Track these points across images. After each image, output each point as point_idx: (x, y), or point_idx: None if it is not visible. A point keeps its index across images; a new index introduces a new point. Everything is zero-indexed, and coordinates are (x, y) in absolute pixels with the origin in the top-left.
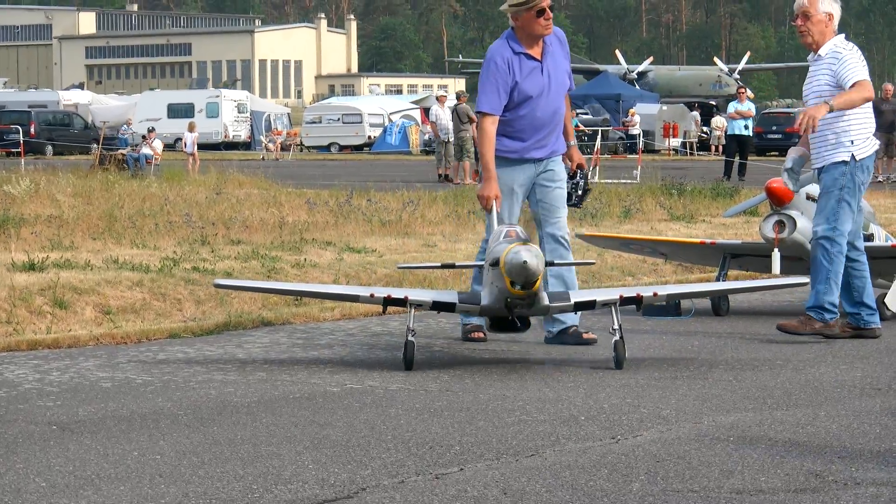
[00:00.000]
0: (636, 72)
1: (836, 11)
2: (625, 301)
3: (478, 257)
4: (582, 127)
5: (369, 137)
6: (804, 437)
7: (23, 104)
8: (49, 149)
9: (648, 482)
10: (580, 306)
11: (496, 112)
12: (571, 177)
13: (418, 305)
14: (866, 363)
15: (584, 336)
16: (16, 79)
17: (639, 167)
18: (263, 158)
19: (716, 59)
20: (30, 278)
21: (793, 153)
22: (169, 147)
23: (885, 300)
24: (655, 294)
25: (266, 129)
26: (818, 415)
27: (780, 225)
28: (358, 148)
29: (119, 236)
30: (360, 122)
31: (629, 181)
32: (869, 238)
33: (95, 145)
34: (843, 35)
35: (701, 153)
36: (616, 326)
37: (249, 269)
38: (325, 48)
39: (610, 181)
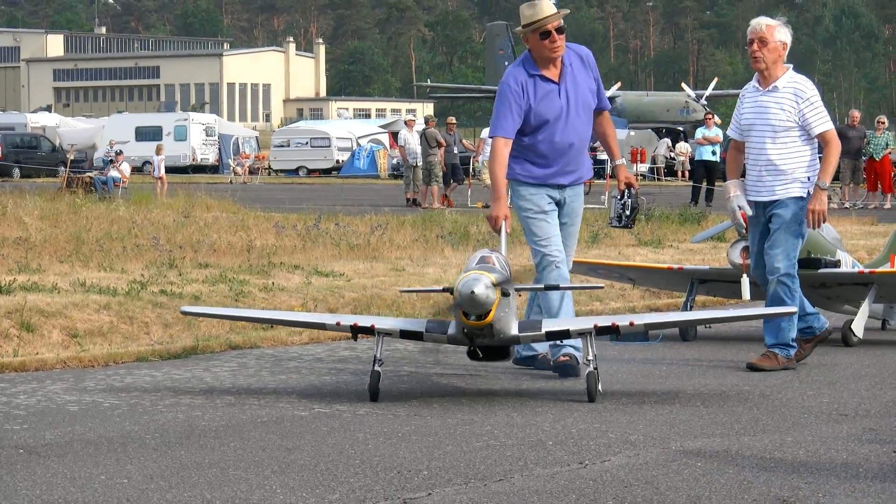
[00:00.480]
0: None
1: (789, 42)
2: (600, 331)
3: None
4: None
5: (337, 161)
6: (771, 462)
7: None
8: (16, 171)
9: None
10: (552, 335)
11: (508, 135)
12: (620, 197)
13: (386, 334)
14: (833, 389)
15: (557, 361)
16: None
17: (607, 192)
18: (231, 182)
19: (683, 84)
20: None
21: (737, 189)
22: (137, 170)
23: (852, 326)
24: (632, 323)
25: (234, 152)
26: (785, 440)
27: (746, 251)
28: (326, 172)
29: (86, 259)
30: (329, 146)
31: (597, 206)
32: (836, 264)
33: (63, 168)
34: (792, 66)
35: (668, 178)
36: (591, 357)
37: (217, 292)
38: (294, 72)
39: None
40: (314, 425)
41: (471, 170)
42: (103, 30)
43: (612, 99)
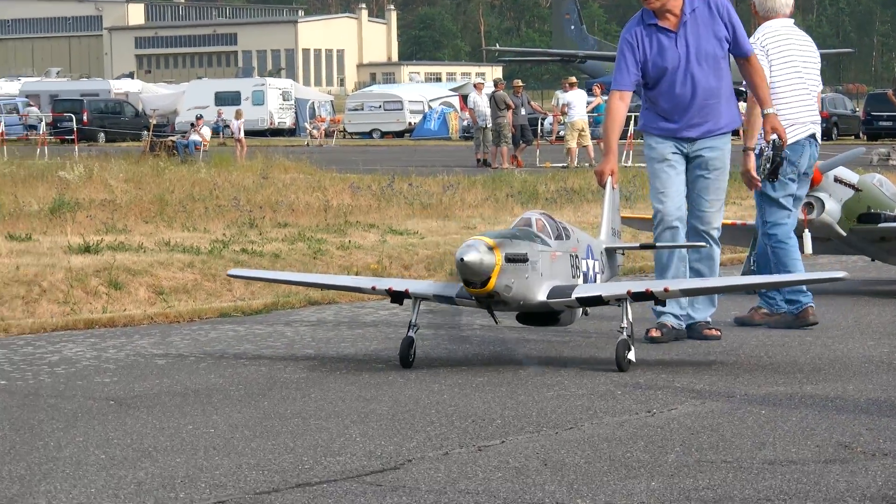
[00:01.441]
0: None
1: None
2: (635, 296)
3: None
4: None
5: (410, 124)
6: (833, 410)
7: (75, 93)
8: (101, 136)
9: (683, 453)
10: (583, 301)
11: (621, 87)
12: (763, 149)
13: (422, 298)
14: (893, 339)
15: (707, 332)
16: (68, 68)
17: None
18: (308, 144)
19: None
20: (85, 260)
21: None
22: (215, 134)
23: None
24: (666, 289)
25: (310, 116)
26: (847, 389)
27: (808, 207)
28: (399, 134)
29: (170, 220)
30: (401, 109)
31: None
32: (895, 219)
33: (146, 132)
34: None
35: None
36: (624, 325)
37: (296, 251)
38: (367, 38)
39: (643, 165)
40: (391, 377)
41: (539, 131)
42: None
43: None
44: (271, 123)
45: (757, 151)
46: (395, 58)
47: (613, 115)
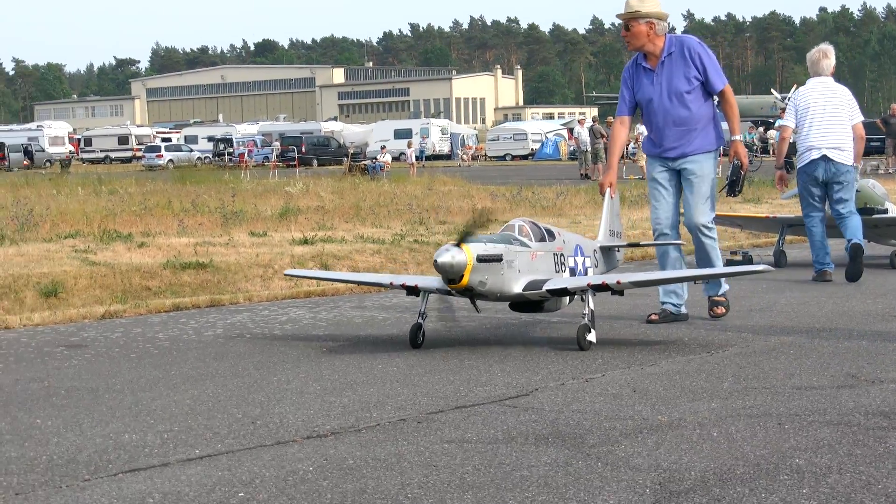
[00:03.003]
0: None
1: None
2: (594, 288)
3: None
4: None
5: (532, 150)
6: (843, 349)
7: (296, 132)
8: (314, 162)
9: (734, 382)
10: (553, 293)
11: (620, 114)
12: (731, 169)
13: (429, 291)
14: (885, 298)
15: (712, 312)
16: (291, 115)
17: (720, 166)
18: (459, 165)
19: (772, 90)
20: (304, 249)
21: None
22: (395, 159)
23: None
24: (618, 282)
25: (461, 145)
26: (852, 334)
27: None
28: (524, 157)
29: (364, 219)
30: (526, 139)
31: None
32: (885, 211)
33: (346, 159)
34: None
35: (763, 154)
36: (585, 311)
37: (452, 240)
38: (501, 89)
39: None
40: (524, 329)
41: (625, 153)
42: (370, 64)
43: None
44: (433, 151)
45: (730, 171)
46: (521, 102)
47: (615, 137)
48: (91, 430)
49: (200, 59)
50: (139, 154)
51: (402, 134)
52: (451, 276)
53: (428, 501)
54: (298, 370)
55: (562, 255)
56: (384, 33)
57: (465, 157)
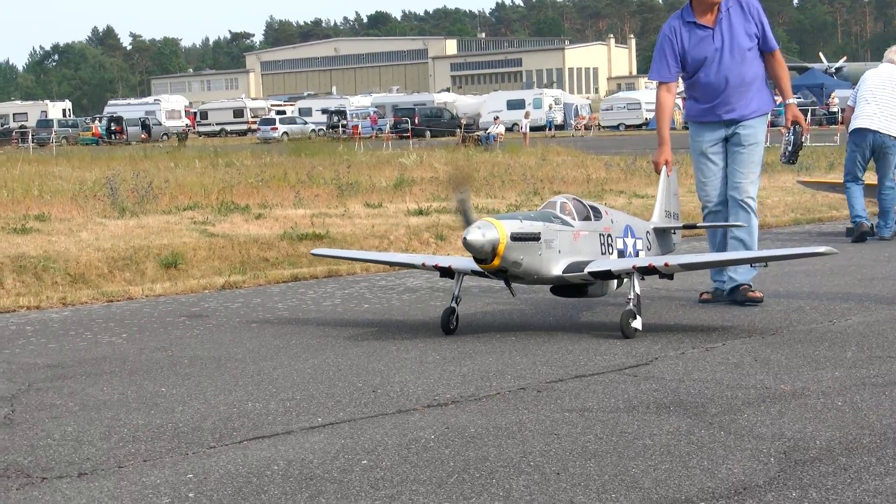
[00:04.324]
0: (834, 68)
1: None
2: (640, 271)
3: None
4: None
5: (646, 119)
6: None
7: (409, 104)
8: (428, 133)
9: (858, 351)
10: (595, 275)
11: (664, 79)
12: (787, 134)
13: (464, 273)
14: None
15: (750, 295)
16: (404, 86)
17: (838, 134)
18: (573, 136)
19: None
20: (419, 220)
21: None
22: (508, 130)
23: None
24: (666, 264)
25: (574, 115)
26: None
27: None
28: (638, 126)
29: (478, 190)
30: (639, 109)
31: (831, 144)
32: None
33: (459, 130)
34: None
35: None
36: (630, 296)
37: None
38: (614, 58)
39: (818, 144)
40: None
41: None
42: (483, 35)
43: (840, 69)
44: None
45: (785, 136)
46: (634, 72)
47: (662, 106)
48: (215, 398)
49: (314, 31)
50: (254, 127)
51: (514, 105)
52: (482, 256)
53: (550, 469)
54: (416, 339)
55: (609, 235)
56: (497, 4)
57: (578, 126)
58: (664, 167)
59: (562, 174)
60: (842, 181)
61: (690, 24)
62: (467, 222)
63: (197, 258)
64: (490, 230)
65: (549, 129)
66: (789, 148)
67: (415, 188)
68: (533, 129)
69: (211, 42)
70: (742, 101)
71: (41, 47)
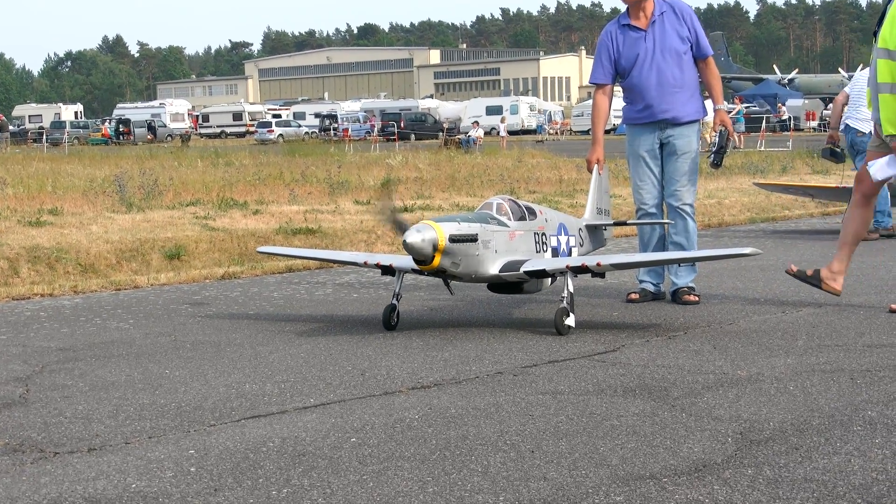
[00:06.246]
0: (787, 79)
1: None
2: (573, 270)
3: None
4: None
5: (614, 125)
6: None
7: (395, 108)
8: (412, 136)
9: (808, 340)
10: (531, 274)
11: (599, 81)
12: (716, 138)
13: (404, 271)
14: None
15: (686, 298)
16: (391, 92)
17: (790, 140)
18: (546, 139)
19: (839, 69)
20: (405, 216)
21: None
22: (487, 134)
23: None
24: (598, 264)
25: (548, 120)
26: None
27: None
28: (607, 132)
29: (459, 189)
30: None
31: (784, 149)
32: None
33: (441, 133)
34: None
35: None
36: (564, 294)
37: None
38: (585, 68)
39: (772, 149)
40: (611, 293)
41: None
42: (464, 46)
43: (792, 80)
44: (522, 126)
45: (714, 140)
46: None
47: (598, 108)
48: (215, 379)
49: (308, 41)
50: (252, 129)
51: (493, 110)
52: (422, 257)
53: (525, 447)
54: (401, 327)
55: (543, 234)
56: (477, 17)
57: (552, 131)
58: (595, 166)
59: (536, 175)
60: (794, 183)
61: (625, 26)
62: (402, 229)
63: (198, 250)
64: (429, 232)
65: (542, 133)
66: (713, 149)
67: (400, 187)
68: (511, 132)
69: (212, 50)
70: (676, 102)
71: (55, 54)
